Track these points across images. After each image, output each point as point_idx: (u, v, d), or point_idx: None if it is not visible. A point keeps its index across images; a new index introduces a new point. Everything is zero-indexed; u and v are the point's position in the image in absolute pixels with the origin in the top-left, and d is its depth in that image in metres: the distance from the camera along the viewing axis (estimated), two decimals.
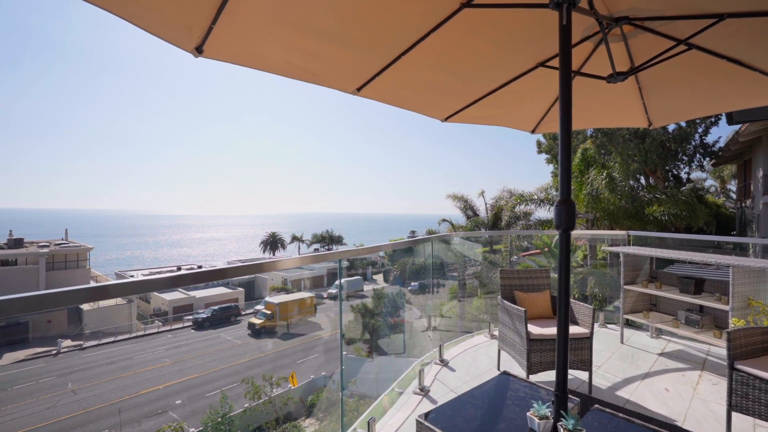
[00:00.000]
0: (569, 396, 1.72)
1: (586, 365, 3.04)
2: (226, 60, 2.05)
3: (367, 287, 40.00)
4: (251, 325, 31.16)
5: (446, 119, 3.16)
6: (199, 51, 1.90)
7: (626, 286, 4.25)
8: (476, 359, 3.91)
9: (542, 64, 2.62)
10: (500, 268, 3.77)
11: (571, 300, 3.46)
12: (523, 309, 3.03)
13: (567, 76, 1.71)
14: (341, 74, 2.44)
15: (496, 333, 4.57)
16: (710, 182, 29.56)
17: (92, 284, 1.44)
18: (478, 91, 2.87)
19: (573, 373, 3.33)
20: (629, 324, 4.56)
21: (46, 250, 34.28)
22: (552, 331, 3.10)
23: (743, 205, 17.37)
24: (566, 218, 1.67)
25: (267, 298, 33.74)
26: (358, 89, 2.52)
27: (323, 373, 20.27)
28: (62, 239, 42.78)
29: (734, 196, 25.19)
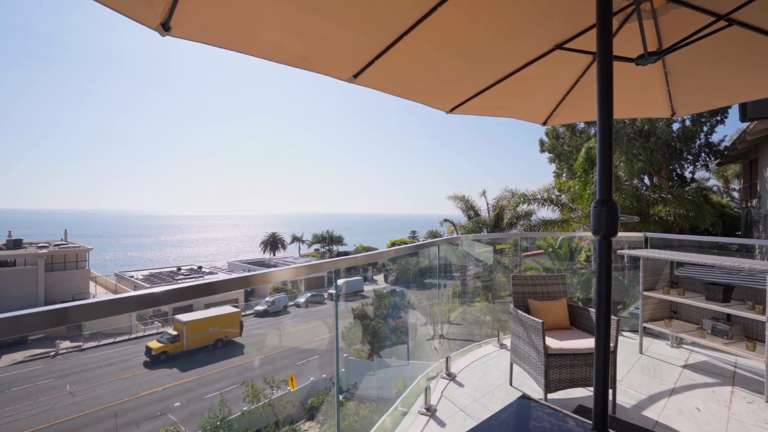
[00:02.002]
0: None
1: (609, 381, 2.75)
2: (199, 40, 1.75)
3: (368, 287, 39.78)
4: (147, 351, 23.54)
5: (451, 110, 2.87)
6: (165, 28, 1.59)
7: (646, 293, 3.95)
8: (486, 372, 3.61)
9: (560, 46, 2.32)
10: (510, 272, 3.48)
11: (590, 309, 3.17)
12: (540, 321, 2.73)
13: (607, 50, 1.41)
14: (335, 58, 2.14)
15: (506, 342, 4.28)
16: (713, 182, 29.21)
17: (51, 306, 1.24)
18: (486, 79, 2.57)
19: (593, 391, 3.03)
20: (646, 332, 4.26)
21: (45, 250, 34.07)
22: (572, 344, 2.81)
23: (749, 205, 17.05)
24: (607, 222, 1.31)
25: (176, 316, 27.33)
26: (355, 76, 2.22)
27: (324, 375, 19.98)
28: (62, 240, 42.58)
29: (737, 195, 24.86)
